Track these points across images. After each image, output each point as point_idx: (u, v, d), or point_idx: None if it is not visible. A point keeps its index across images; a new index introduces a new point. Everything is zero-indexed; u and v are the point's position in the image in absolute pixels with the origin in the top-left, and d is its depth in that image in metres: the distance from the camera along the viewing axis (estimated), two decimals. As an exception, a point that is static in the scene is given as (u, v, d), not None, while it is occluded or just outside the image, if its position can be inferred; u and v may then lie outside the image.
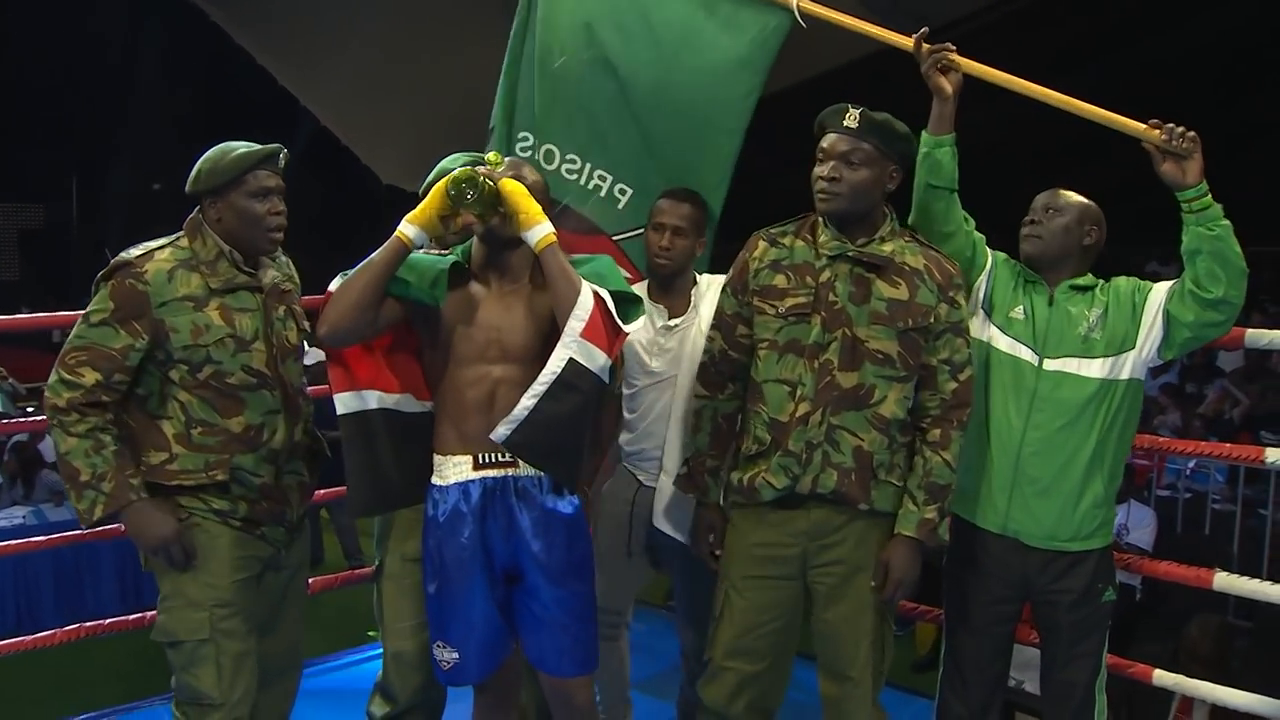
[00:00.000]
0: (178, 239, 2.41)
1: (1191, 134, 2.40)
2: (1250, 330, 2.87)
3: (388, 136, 9.03)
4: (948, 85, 2.53)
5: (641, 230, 2.91)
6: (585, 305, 2.22)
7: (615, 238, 3.04)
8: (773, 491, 2.44)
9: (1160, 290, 2.54)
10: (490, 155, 2.36)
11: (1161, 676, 3.02)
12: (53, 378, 2.31)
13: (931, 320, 2.44)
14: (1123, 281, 2.60)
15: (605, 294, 2.26)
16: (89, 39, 15.51)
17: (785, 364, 2.45)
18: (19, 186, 18.17)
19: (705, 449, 2.60)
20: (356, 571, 3.78)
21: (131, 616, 3.41)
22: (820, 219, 2.49)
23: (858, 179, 2.41)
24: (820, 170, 2.43)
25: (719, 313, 2.61)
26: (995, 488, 2.58)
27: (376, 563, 2.67)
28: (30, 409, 7.91)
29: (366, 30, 8.08)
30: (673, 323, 2.81)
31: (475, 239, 2.40)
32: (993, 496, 2.58)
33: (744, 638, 2.50)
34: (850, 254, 2.43)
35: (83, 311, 2.36)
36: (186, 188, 2.41)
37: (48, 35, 15.50)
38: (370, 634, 2.88)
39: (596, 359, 2.23)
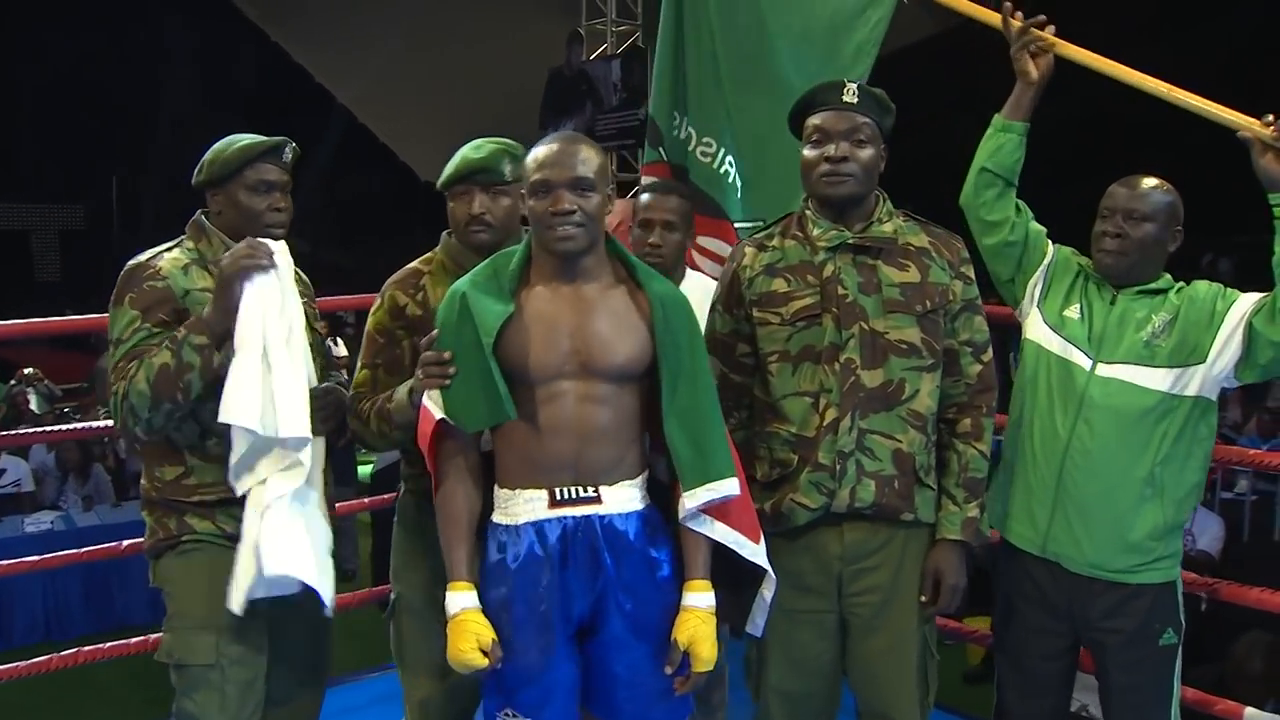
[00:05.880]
0: (182, 241, 2.34)
1: None
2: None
3: (425, 133, 8.97)
4: (1034, 70, 2.33)
5: (756, 224, 2.93)
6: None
7: (736, 225, 3.16)
8: (807, 514, 2.21)
9: (1247, 301, 2.28)
10: None
11: (1254, 716, 2.75)
12: (130, 397, 2.14)
13: (949, 299, 2.24)
14: (1203, 286, 2.34)
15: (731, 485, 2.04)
16: (127, 40, 15.62)
17: (803, 374, 2.22)
18: (60, 187, 18.36)
19: None
20: (381, 588, 3.63)
21: (153, 637, 3.31)
22: (806, 213, 2.28)
23: (866, 157, 2.20)
24: (823, 151, 2.19)
25: (711, 335, 2.32)
26: (1036, 503, 2.35)
27: (394, 595, 2.48)
28: (66, 410, 7.89)
29: (399, 27, 8.04)
30: None
31: (531, 239, 2.05)
32: (1033, 513, 2.36)
33: (788, 678, 2.30)
34: (851, 241, 2.22)
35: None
36: (192, 181, 2.33)
37: (86, 38, 15.64)
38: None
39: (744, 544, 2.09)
